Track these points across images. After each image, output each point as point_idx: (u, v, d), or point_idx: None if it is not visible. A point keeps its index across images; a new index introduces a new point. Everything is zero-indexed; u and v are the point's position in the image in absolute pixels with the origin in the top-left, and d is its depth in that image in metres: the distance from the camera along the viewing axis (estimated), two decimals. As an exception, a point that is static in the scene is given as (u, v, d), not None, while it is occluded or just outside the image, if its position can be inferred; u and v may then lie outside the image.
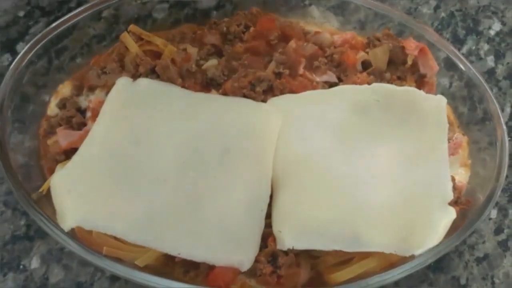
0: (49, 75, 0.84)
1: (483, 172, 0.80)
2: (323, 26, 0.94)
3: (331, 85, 0.85)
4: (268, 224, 0.72)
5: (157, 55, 0.87)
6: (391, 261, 0.71)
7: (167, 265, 0.71)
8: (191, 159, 0.74)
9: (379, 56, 0.87)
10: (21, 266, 0.77)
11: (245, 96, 0.82)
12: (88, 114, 0.81)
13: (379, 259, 0.71)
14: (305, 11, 0.91)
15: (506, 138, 0.79)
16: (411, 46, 0.87)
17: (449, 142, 0.80)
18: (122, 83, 0.80)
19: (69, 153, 0.77)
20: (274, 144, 0.77)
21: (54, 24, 0.83)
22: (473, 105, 0.85)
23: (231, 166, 0.74)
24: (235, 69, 0.84)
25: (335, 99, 0.82)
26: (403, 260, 0.70)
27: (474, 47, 1.02)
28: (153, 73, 0.83)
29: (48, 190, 0.73)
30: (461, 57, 0.87)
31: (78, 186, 0.71)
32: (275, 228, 0.71)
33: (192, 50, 0.87)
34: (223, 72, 0.84)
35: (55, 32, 0.83)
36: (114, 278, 0.76)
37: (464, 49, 1.02)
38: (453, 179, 0.77)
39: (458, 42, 1.03)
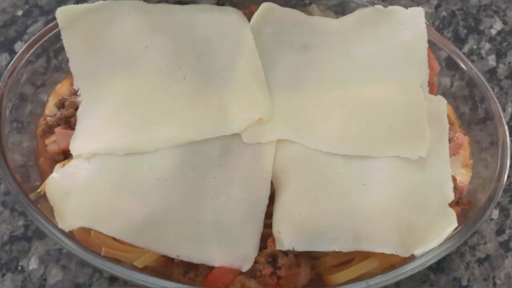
0: (47, 74, 0.83)
1: (484, 172, 0.79)
2: (324, 25, 0.93)
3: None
4: (268, 225, 0.71)
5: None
6: (392, 262, 0.70)
7: (166, 266, 0.71)
8: (190, 159, 0.73)
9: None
10: (19, 267, 0.77)
11: None
12: (87, 113, 0.81)
13: (379, 260, 0.70)
14: (305, 10, 0.90)
15: (508, 138, 0.79)
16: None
17: (450, 142, 0.79)
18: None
19: (67, 153, 0.76)
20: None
21: (52, 23, 0.83)
22: (475, 104, 0.85)
23: (231, 166, 0.74)
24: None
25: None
26: (404, 261, 0.69)
27: (475, 47, 1.02)
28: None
29: (46, 191, 0.73)
30: (463, 56, 0.87)
31: (77, 186, 0.71)
32: (275, 229, 0.70)
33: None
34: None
35: (54, 31, 0.82)
36: (113, 279, 0.76)
37: (466, 48, 1.02)
38: (454, 179, 0.76)
39: (459, 41, 1.02)
